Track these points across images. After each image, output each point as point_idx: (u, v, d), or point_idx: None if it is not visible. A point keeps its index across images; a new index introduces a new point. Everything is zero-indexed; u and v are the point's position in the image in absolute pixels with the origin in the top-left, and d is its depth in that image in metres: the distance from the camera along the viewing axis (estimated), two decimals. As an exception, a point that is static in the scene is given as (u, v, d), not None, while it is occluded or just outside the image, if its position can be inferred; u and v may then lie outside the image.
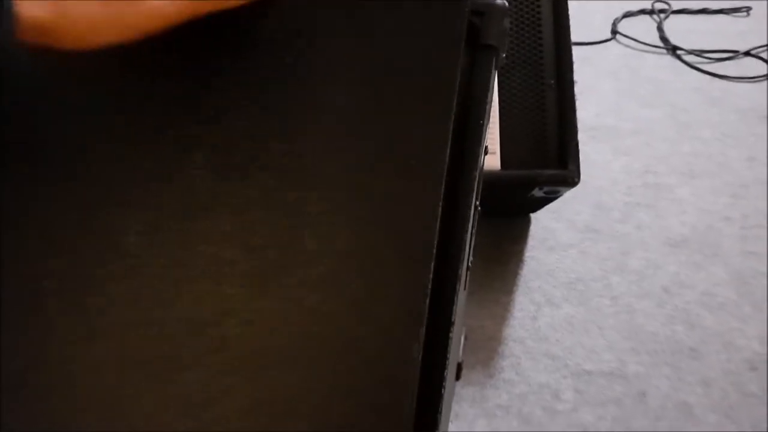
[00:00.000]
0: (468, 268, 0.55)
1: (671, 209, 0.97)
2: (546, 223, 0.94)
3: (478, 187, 0.54)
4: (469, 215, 0.43)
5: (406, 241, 0.39)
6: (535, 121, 0.78)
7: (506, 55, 0.83)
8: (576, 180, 0.76)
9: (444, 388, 0.42)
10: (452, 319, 0.44)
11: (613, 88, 1.23)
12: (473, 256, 0.66)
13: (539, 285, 0.85)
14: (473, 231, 0.57)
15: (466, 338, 0.76)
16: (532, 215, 0.95)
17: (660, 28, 1.38)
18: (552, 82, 0.78)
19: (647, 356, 0.77)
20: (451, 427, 0.69)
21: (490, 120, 0.80)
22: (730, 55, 1.31)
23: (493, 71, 0.46)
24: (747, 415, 0.71)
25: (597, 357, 0.77)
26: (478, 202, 0.57)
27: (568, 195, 0.96)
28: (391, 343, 0.37)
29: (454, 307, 0.44)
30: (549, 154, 0.77)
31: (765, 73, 1.27)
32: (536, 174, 0.76)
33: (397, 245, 0.38)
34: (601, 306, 0.83)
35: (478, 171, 0.46)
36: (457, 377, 0.74)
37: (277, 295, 0.36)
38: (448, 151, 0.40)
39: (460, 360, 0.73)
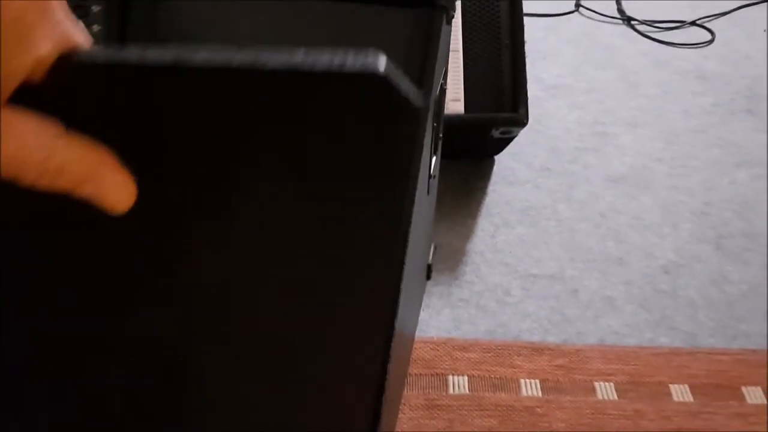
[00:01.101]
0: (431, 176, 0.72)
1: (614, 152, 1.14)
2: (507, 164, 1.11)
3: (438, 119, 0.71)
4: (424, 127, 0.60)
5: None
6: (493, 74, 0.95)
7: (470, 22, 1.01)
8: (525, 121, 0.93)
9: (403, 276, 0.57)
10: (411, 211, 0.60)
11: (572, 53, 1.40)
12: (441, 182, 0.83)
13: (498, 211, 1.03)
14: (437, 152, 0.74)
15: (436, 248, 0.93)
16: (496, 157, 1.12)
17: (618, 2, 1.54)
18: (507, 42, 0.95)
19: (582, 264, 0.95)
20: (422, 314, 0.87)
21: (457, 73, 0.97)
22: (678, 24, 1.48)
23: (444, 25, 0.62)
24: (657, 305, 0.89)
25: (541, 264, 0.94)
26: (440, 129, 0.73)
27: (528, 140, 1.14)
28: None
29: (414, 197, 0.61)
30: (504, 101, 0.94)
31: (708, 39, 1.43)
32: (493, 116, 0.93)
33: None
34: (548, 227, 1.00)
35: (432, 99, 0.63)
36: (428, 277, 0.91)
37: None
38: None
39: (430, 263, 0.90)
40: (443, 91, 0.73)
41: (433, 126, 0.67)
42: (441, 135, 0.76)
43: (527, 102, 0.93)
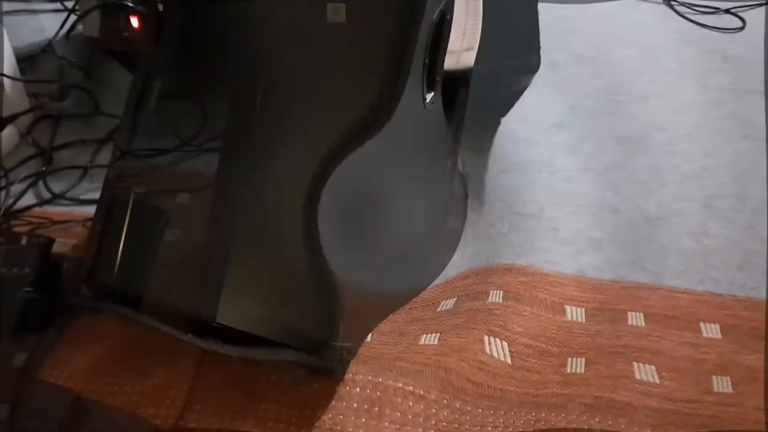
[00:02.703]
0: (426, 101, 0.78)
1: (623, 118, 1.19)
2: (523, 115, 1.16)
3: (434, 54, 0.77)
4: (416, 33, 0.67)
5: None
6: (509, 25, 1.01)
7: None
8: (536, 66, 0.99)
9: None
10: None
11: (601, 29, 1.44)
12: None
13: (503, 158, 1.09)
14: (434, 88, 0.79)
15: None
16: (512, 111, 1.16)
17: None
18: (522, -1, 1.01)
19: (570, 208, 1.00)
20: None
21: (478, 24, 1.03)
22: (714, 10, 1.49)
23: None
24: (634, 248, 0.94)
25: (528, 205, 1.01)
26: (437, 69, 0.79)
27: (549, 97, 1.19)
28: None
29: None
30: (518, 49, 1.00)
31: (739, 26, 1.45)
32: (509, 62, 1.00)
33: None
34: (543, 176, 1.06)
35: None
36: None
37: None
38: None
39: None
40: (446, 21, 0.79)
41: (424, 63, 0.74)
42: (438, 79, 0.82)
43: (539, 49, 0.99)
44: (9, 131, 1.06)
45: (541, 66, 1.21)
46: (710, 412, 0.74)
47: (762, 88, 1.27)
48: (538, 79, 1.11)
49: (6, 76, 1.04)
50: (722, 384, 0.77)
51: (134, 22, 1.05)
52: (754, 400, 0.75)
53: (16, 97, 1.07)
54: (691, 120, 1.18)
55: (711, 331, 0.83)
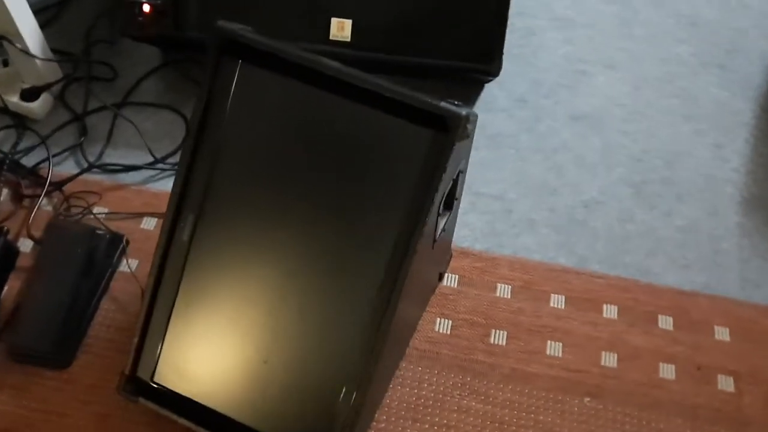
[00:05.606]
0: (441, 230, 0.92)
1: (584, 91, 1.29)
2: (492, 91, 1.27)
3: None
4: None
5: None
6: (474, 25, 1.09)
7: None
8: (496, 72, 1.09)
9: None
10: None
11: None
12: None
13: (472, 134, 1.22)
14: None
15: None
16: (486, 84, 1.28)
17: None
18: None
19: (523, 189, 1.16)
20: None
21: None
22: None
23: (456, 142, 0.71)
24: (567, 232, 1.11)
25: (490, 185, 1.16)
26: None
27: (515, 70, 1.29)
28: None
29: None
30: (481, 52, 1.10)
31: (719, -17, 1.47)
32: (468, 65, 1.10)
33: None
34: (507, 154, 1.20)
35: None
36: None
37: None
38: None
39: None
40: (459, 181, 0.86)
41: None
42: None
43: (501, 55, 1.09)
44: (44, 97, 1.18)
45: (518, 34, 1.30)
46: (595, 381, 0.96)
47: (719, 61, 1.34)
48: (511, 50, 1.21)
49: (37, 57, 1.14)
50: (609, 359, 0.98)
51: (146, 8, 1.14)
52: (633, 375, 0.97)
53: (45, 64, 1.17)
54: (644, 96, 1.28)
55: (610, 311, 1.03)
